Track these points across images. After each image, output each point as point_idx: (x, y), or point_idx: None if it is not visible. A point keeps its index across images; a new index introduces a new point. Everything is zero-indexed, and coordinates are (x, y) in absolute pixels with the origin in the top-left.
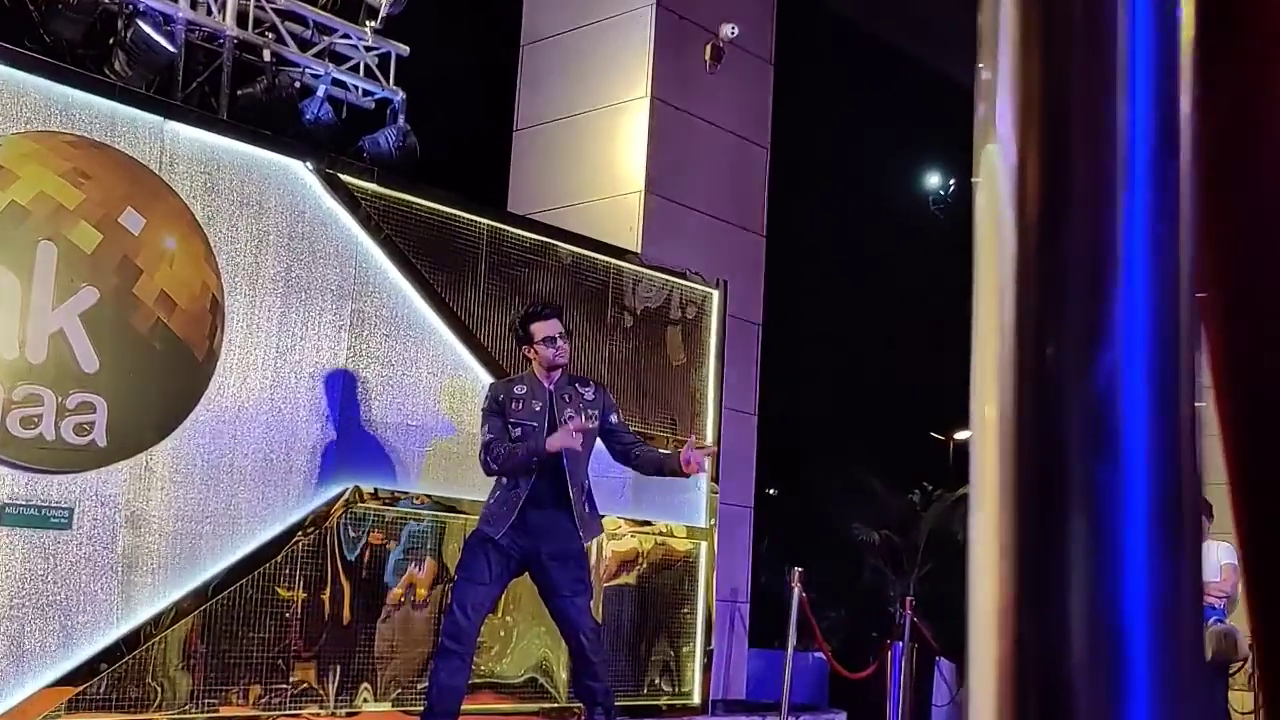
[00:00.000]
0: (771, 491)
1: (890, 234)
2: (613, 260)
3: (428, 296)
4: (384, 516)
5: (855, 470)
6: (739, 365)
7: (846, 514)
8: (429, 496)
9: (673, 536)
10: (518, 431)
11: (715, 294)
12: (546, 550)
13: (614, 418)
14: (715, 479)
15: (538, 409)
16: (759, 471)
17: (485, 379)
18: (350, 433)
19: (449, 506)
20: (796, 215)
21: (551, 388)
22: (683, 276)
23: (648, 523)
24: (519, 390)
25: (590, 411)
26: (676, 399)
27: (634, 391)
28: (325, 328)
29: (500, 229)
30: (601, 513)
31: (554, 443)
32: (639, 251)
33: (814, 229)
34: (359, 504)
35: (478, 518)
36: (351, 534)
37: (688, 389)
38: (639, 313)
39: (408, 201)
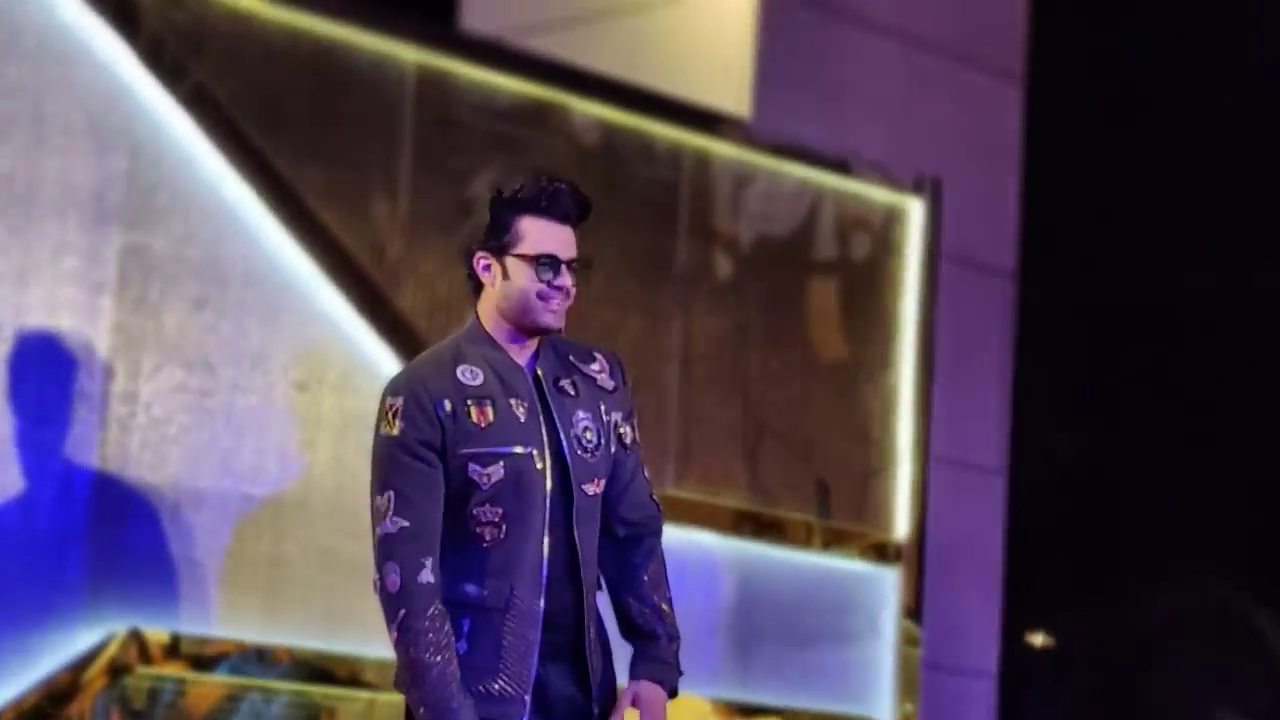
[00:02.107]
0: (1036, 640)
1: None
2: (690, 135)
3: (285, 214)
4: (190, 693)
5: (1217, 591)
6: (968, 365)
7: (1203, 686)
8: (288, 651)
9: None
10: (494, 475)
11: (916, 208)
12: None
13: (627, 431)
14: (913, 615)
15: (522, 417)
16: (1009, 594)
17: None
18: (122, 508)
19: (330, 674)
20: (1095, 48)
21: (534, 369)
22: (843, 169)
23: (767, 711)
24: (470, 378)
25: (615, 414)
26: (830, 436)
27: (736, 415)
28: (65, 282)
29: (441, 70)
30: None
31: None
32: (747, 117)
33: (1133, 79)
34: (139, 667)
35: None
36: None
37: (855, 414)
38: (747, 248)
39: (247, 12)
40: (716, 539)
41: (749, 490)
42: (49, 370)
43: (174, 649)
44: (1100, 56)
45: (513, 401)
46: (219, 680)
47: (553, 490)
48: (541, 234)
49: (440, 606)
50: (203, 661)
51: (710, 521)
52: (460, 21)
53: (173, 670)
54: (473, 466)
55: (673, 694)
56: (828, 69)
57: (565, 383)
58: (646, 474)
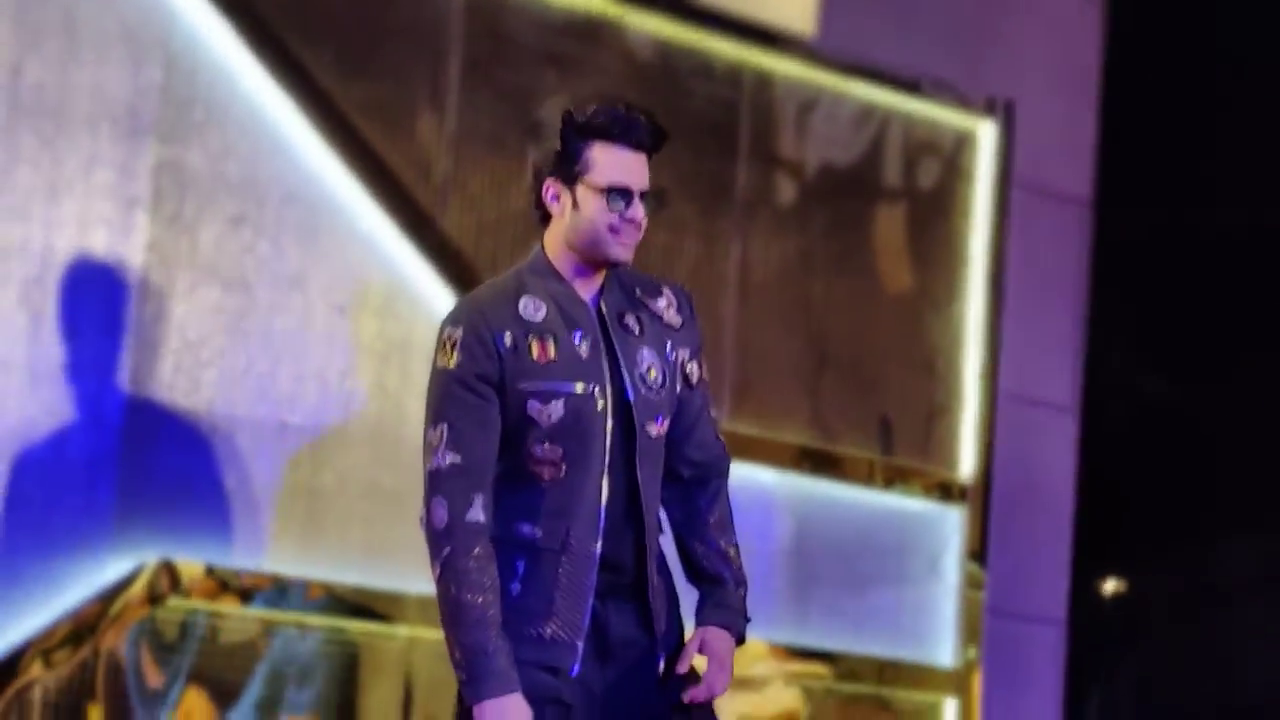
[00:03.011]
0: (1108, 588)
1: None
2: (751, 53)
3: (327, 130)
4: (223, 626)
5: None
6: (1041, 298)
7: None
8: (325, 586)
9: (886, 685)
10: (554, 413)
11: (987, 130)
12: (626, 699)
13: (694, 369)
14: (978, 557)
15: (584, 354)
16: (1080, 539)
17: (446, 306)
18: (154, 433)
19: (368, 609)
20: None
21: (598, 304)
22: (913, 90)
23: (824, 655)
24: (532, 312)
25: (681, 352)
26: (894, 369)
27: (796, 347)
28: (98, 197)
29: None
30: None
31: None
32: (812, 34)
33: (1216, 5)
34: (170, 598)
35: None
36: (154, 661)
37: (921, 347)
38: (810, 172)
39: None
40: (774, 476)
41: (809, 425)
42: (80, 288)
43: (207, 580)
44: None
45: (576, 337)
46: (253, 614)
47: (614, 430)
48: (614, 163)
49: (487, 546)
50: (236, 594)
51: (768, 457)
52: None
53: (205, 603)
54: (532, 403)
55: (740, 640)
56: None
57: (630, 319)
58: (713, 413)
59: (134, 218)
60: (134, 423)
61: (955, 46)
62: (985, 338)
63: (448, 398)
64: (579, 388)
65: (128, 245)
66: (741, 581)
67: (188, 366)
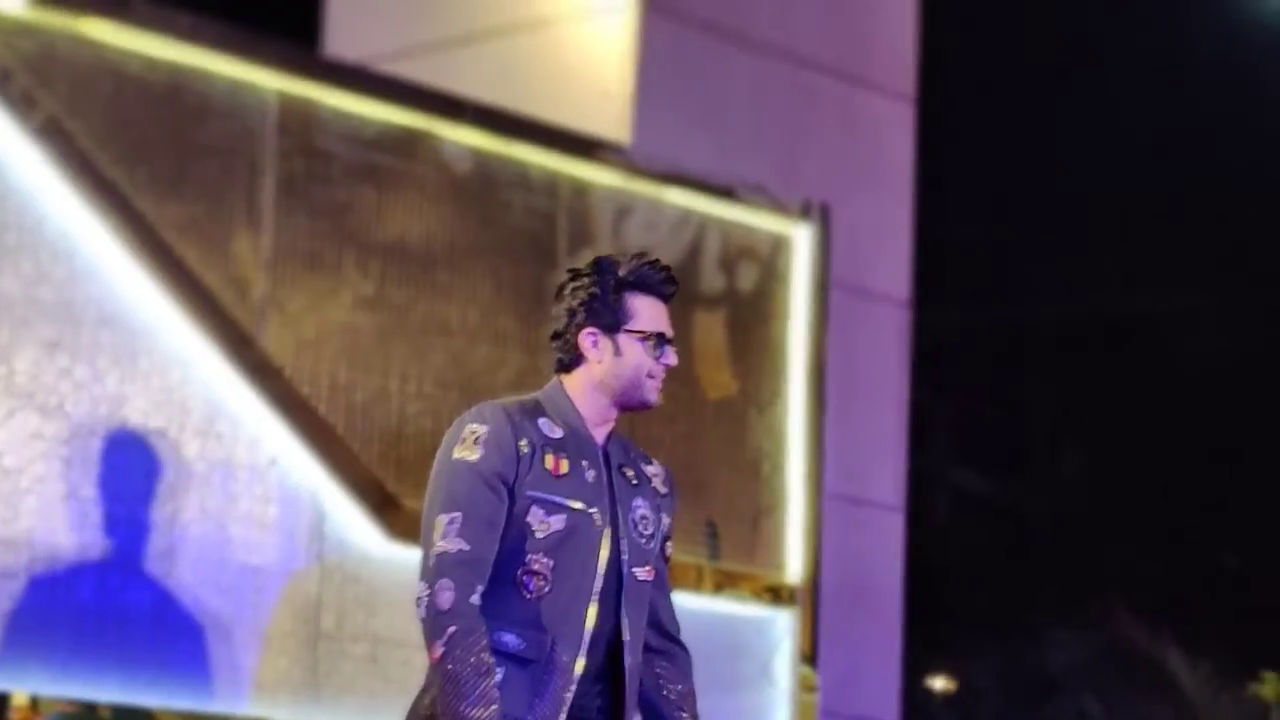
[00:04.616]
0: (935, 685)
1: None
2: (567, 162)
3: (142, 251)
4: None
5: (1128, 632)
6: (863, 398)
7: None
8: (156, 712)
9: None
10: (553, 526)
11: (803, 234)
12: None
13: (669, 546)
14: (810, 659)
15: (590, 480)
16: (909, 639)
17: (267, 425)
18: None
19: None
20: (988, 53)
21: (605, 447)
22: (729, 195)
23: None
24: (550, 430)
25: (665, 519)
26: (719, 474)
27: None
28: None
29: (304, 98)
30: None
31: None
32: (625, 143)
33: (1030, 83)
34: None
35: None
36: None
37: (745, 451)
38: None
39: (98, 40)
40: None
41: None
42: None
43: (33, 710)
44: (991, 76)
45: (584, 463)
46: None
47: (609, 559)
48: (652, 312)
49: (487, 636)
50: None
51: None
52: (323, 46)
53: None
54: (535, 510)
55: None
56: (711, 92)
57: (629, 471)
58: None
59: None
60: None
61: (768, 150)
62: (808, 439)
63: (466, 489)
64: (581, 505)
65: None
66: None
67: (6, 494)
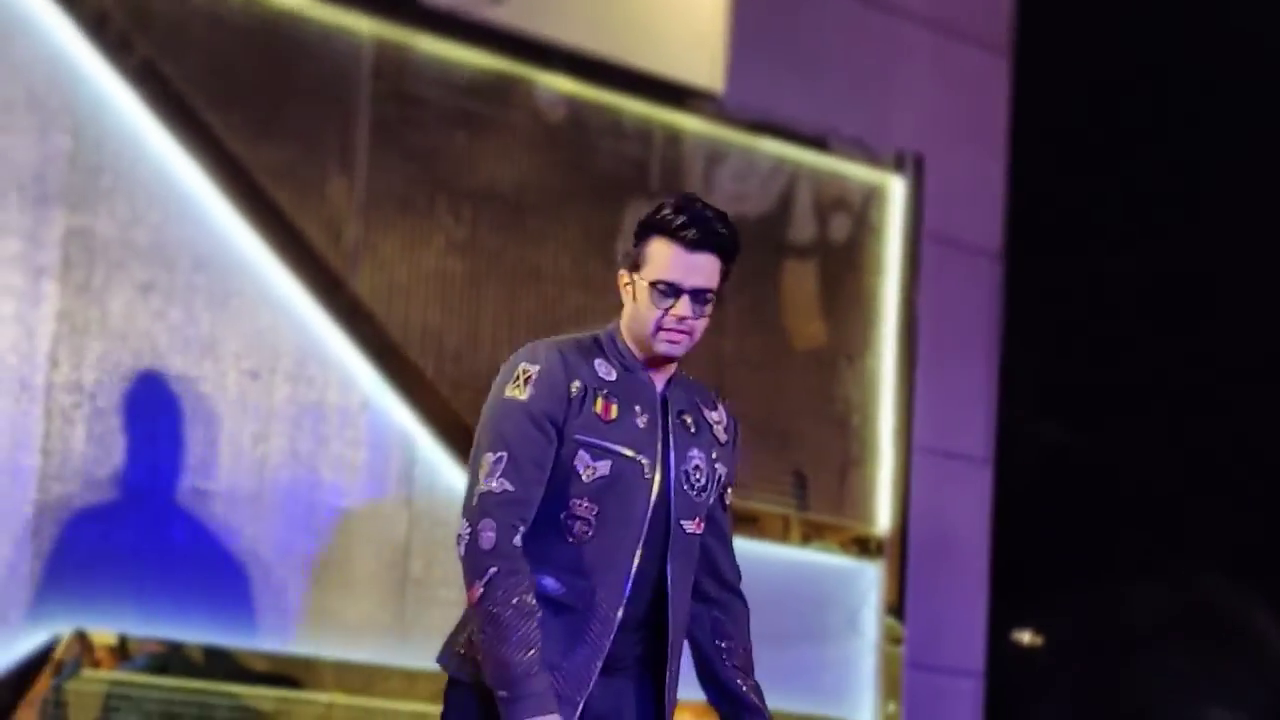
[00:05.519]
0: (1022, 638)
1: None
2: (660, 110)
3: (236, 195)
4: (133, 695)
5: (1210, 587)
6: (953, 350)
7: (1195, 684)
8: (240, 652)
9: None
10: (599, 470)
11: (897, 185)
12: None
13: (729, 494)
14: (896, 611)
15: (641, 426)
16: (996, 590)
17: (358, 369)
18: (67, 500)
19: (285, 677)
20: (1085, 21)
21: (664, 395)
22: (822, 145)
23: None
24: (605, 372)
25: (722, 469)
26: (807, 424)
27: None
28: (6, 266)
29: (399, 42)
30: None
31: None
32: (720, 91)
33: (1135, 49)
34: (85, 670)
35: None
36: None
37: (834, 402)
38: None
39: None
40: None
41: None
42: None
43: (121, 651)
44: (1090, 30)
45: (637, 409)
46: (168, 683)
47: (656, 506)
48: (667, 259)
49: (530, 575)
50: (151, 664)
51: None
52: None
53: (120, 673)
54: (582, 454)
55: None
56: (805, 41)
57: (689, 418)
58: (731, 546)
59: (43, 286)
60: (46, 493)
61: (863, 101)
62: (899, 391)
63: (513, 428)
64: (630, 453)
65: (37, 314)
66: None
67: (99, 434)
